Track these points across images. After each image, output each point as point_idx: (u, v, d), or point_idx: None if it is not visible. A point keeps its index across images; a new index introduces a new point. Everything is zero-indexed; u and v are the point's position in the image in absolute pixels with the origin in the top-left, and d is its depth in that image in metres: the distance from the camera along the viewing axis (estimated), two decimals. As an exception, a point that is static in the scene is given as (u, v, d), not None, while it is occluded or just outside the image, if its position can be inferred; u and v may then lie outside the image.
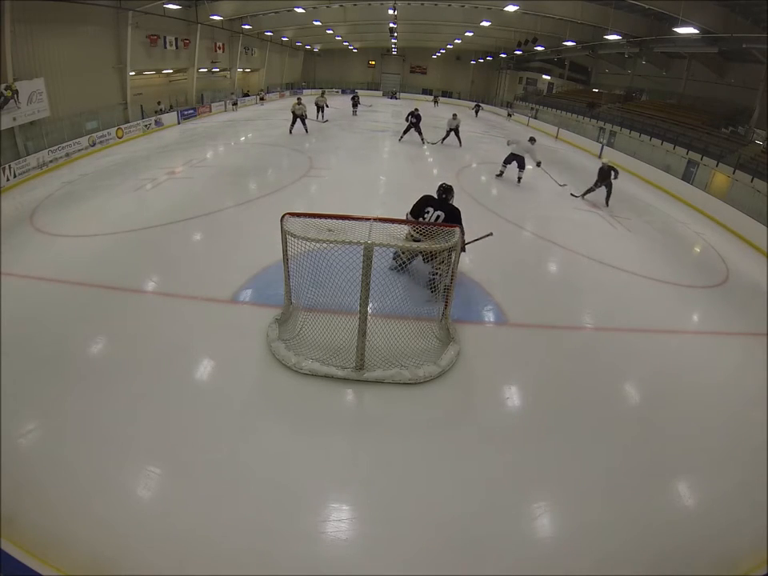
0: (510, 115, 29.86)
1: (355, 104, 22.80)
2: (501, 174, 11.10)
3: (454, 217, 5.04)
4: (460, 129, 15.11)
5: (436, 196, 5.30)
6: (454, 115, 14.99)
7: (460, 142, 15.06)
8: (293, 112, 14.88)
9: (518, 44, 24.82)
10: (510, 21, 20.49)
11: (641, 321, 5.29)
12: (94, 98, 14.19)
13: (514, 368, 4.31)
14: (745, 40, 13.36)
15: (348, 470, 3.12)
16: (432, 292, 4.77)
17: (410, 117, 14.57)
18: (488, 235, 5.42)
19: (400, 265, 5.21)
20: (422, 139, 14.91)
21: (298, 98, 15.08)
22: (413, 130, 14.75)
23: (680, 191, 12.48)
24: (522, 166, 10.69)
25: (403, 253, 5.01)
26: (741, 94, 16.05)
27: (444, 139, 15.07)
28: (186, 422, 3.37)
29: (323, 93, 21.07)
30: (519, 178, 10.79)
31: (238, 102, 24.88)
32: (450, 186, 5.36)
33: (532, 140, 10.94)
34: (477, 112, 29.17)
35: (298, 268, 4.14)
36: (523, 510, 2.94)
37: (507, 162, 10.88)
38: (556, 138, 21.84)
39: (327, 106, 18.74)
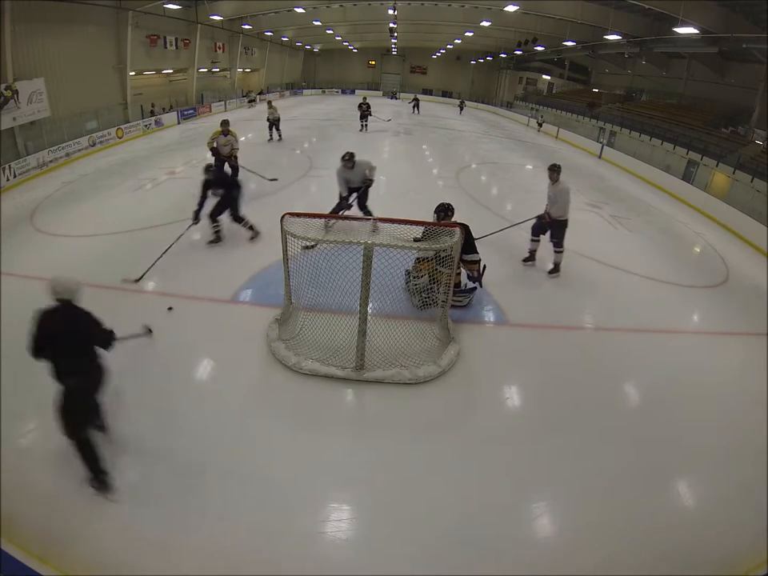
0: (540, 125, 23.08)
1: (364, 115, 16.60)
2: (530, 259, 6.37)
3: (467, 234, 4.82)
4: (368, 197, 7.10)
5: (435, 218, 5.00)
6: (348, 158, 6.79)
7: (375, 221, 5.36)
8: (214, 149, 8.24)
9: (518, 44, 24.82)
10: (510, 21, 20.47)
11: (641, 321, 5.28)
12: (94, 98, 14.18)
13: (514, 368, 4.31)
14: (745, 40, 13.35)
15: (348, 469, 3.12)
16: (421, 299, 4.71)
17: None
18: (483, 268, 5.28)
19: (424, 300, 4.83)
20: (251, 229, 6.45)
21: (224, 124, 8.16)
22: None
23: (680, 191, 12.47)
24: (558, 240, 5.97)
25: (416, 277, 4.89)
26: (741, 94, 16.04)
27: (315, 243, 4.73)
28: (186, 422, 3.38)
29: (271, 103, 14.33)
30: (555, 266, 6.11)
31: (257, 99, 24.61)
32: (449, 205, 5.09)
33: (554, 169, 5.82)
34: (415, 107, 24.94)
35: (298, 268, 4.14)
36: (523, 510, 2.94)
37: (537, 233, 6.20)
38: (556, 137, 21.83)
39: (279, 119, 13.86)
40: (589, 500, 3.01)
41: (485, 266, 5.31)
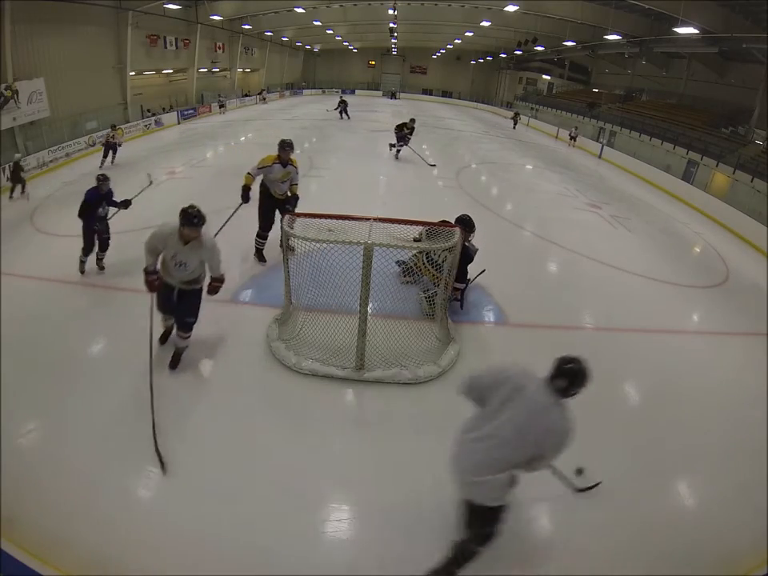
0: (573, 138, 19.37)
1: (402, 138, 12.16)
2: None
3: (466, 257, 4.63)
4: None
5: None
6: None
7: None
8: (246, 189, 5.30)
9: (518, 44, 24.83)
10: (510, 21, 20.49)
11: (641, 321, 5.28)
12: (93, 98, 14.19)
13: (514, 368, 4.30)
14: (745, 40, 13.36)
15: (348, 469, 3.12)
16: (431, 306, 4.71)
17: None
18: (482, 272, 5.20)
19: (408, 278, 4.94)
20: None
21: (285, 147, 5.33)
22: None
23: (680, 191, 12.48)
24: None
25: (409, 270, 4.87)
26: (741, 94, 16.06)
27: None
28: (185, 422, 3.37)
29: (114, 126, 11.63)
30: None
31: (226, 105, 22.58)
32: (469, 219, 4.72)
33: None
34: (342, 112, 20.35)
35: (298, 268, 4.14)
36: (523, 510, 2.94)
37: None
38: (556, 138, 21.84)
39: (119, 145, 11.22)
40: (588, 500, 3.01)
41: (483, 270, 5.27)
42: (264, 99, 27.42)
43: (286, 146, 5.30)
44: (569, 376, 2.02)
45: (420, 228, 4.10)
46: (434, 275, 4.61)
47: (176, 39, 18.97)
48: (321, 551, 2.61)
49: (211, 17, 19.39)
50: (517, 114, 24.51)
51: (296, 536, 2.64)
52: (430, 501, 2.91)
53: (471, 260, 4.79)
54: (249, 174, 5.26)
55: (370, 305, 3.87)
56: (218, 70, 23.96)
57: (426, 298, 4.76)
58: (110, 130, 11.40)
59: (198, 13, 19.35)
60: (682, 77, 19.60)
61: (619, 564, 2.64)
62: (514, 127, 23.44)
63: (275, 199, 5.46)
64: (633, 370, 4.44)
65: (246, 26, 23.29)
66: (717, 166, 12.38)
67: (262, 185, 5.47)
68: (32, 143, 11.43)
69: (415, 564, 2.55)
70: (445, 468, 3.12)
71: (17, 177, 8.75)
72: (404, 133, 12.15)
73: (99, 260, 5.55)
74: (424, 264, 4.80)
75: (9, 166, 8.93)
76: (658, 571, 2.62)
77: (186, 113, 19.43)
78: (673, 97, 20.33)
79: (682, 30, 13.01)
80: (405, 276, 4.96)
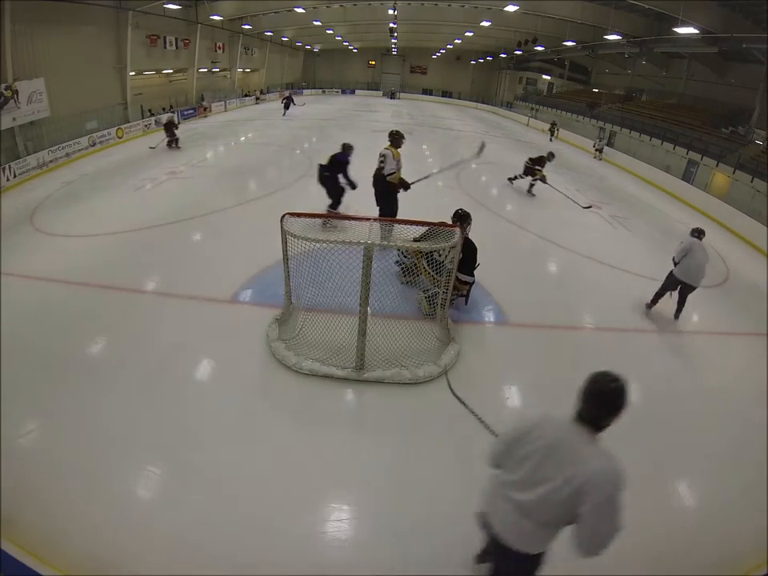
0: (600, 150, 17.19)
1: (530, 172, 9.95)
2: None
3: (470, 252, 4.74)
4: None
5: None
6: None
7: None
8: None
9: (518, 44, 24.83)
10: (510, 21, 20.47)
11: (641, 321, 5.28)
12: (94, 98, 14.17)
13: (514, 368, 4.31)
14: (745, 40, 13.36)
15: (348, 469, 3.12)
16: (430, 306, 4.71)
17: None
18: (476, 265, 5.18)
19: (407, 278, 5.06)
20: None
21: (397, 136, 6.15)
22: None
23: (680, 191, 12.48)
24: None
25: (408, 269, 4.93)
26: (741, 94, 16.05)
27: None
28: (186, 422, 3.37)
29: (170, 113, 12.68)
30: None
31: (210, 108, 21.00)
32: (465, 213, 4.89)
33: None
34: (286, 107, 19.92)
35: (298, 268, 4.14)
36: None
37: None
38: (556, 137, 21.80)
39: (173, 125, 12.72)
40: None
41: (478, 264, 5.28)
42: (258, 100, 27.12)
43: (401, 137, 6.05)
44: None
45: (420, 228, 4.12)
46: (432, 277, 4.61)
47: (176, 39, 18.94)
48: (320, 551, 2.61)
49: (211, 17, 19.37)
50: (554, 125, 20.57)
51: (296, 536, 2.64)
52: (429, 500, 2.91)
53: (476, 249, 4.81)
54: (394, 171, 5.98)
55: (370, 305, 3.87)
56: (218, 70, 23.93)
57: (426, 297, 4.77)
58: (169, 113, 14.48)
59: (198, 13, 19.33)
60: (681, 77, 19.61)
61: (619, 564, 2.63)
62: (551, 139, 20.18)
63: (397, 188, 6.22)
64: (633, 369, 4.42)
65: (246, 26, 23.26)
66: (717, 166, 12.38)
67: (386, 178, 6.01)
68: (32, 143, 11.41)
69: (415, 564, 2.55)
70: (445, 467, 3.12)
71: (169, 130, 12.59)
72: (536, 167, 10.00)
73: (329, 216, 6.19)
74: (424, 268, 4.78)
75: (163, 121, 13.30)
76: (658, 571, 2.62)
77: (185, 113, 19.41)
78: (673, 97, 20.32)
79: (681, 30, 13.00)
80: (404, 276, 5.01)
